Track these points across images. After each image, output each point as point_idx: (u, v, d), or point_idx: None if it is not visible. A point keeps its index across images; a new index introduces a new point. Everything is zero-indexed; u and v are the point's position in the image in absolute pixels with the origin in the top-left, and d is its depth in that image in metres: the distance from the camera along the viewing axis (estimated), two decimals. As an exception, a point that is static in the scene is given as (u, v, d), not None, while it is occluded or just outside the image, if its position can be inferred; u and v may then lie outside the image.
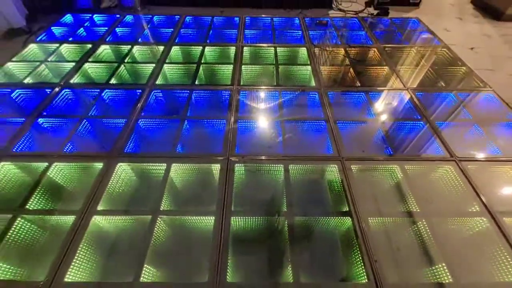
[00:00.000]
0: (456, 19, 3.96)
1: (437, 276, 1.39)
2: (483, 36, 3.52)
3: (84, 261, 1.41)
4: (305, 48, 2.92)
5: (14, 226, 1.47)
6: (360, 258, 1.39)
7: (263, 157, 1.82)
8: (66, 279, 1.28)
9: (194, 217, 1.55)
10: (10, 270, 1.41)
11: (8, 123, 2.06)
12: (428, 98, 2.39)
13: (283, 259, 1.49)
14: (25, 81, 2.40)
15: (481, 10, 4.20)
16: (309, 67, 2.66)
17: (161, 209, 1.55)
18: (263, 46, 2.94)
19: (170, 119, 2.12)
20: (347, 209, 1.58)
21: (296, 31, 3.26)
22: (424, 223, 1.54)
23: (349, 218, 1.54)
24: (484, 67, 2.84)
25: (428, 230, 1.51)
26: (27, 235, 1.53)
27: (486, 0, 4.15)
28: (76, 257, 1.36)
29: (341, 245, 1.56)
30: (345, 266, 1.48)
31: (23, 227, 1.51)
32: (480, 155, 1.89)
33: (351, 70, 2.66)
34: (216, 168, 1.77)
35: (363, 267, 1.36)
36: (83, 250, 1.40)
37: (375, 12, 3.98)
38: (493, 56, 3.09)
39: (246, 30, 3.21)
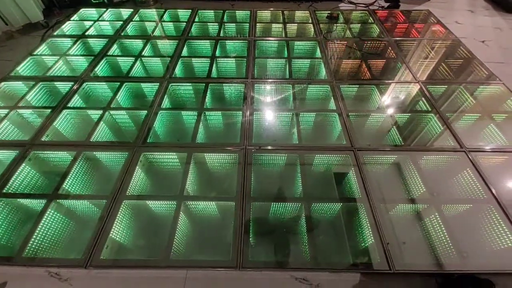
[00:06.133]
0: (467, 12, 3.93)
1: (446, 260, 1.47)
2: (494, 29, 3.51)
3: (117, 240, 1.53)
4: (316, 42, 2.96)
5: (49, 210, 1.59)
6: (373, 240, 1.48)
7: (278, 147, 1.91)
8: (102, 257, 1.40)
9: (215, 202, 1.65)
10: (49, 249, 1.53)
11: (35, 114, 2.17)
12: (438, 90, 2.43)
13: (299, 240, 1.59)
14: (46, 74, 2.49)
15: (493, 2, 4.16)
16: (320, 61, 2.71)
17: (184, 194, 1.66)
18: (275, 40, 2.99)
19: (188, 111, 2.20)
20: (360, 195, 1.66)
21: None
22: (433, 209, 1.62)
23: (362, 204, 1.63)
24: (495, 60, 2.85)
25: (437, 216, 1.59)
26: (62, 217, 1.65)
27: (498, -8, 4.10)
28: (109, 237, 1.47)
29: (355, 229, 1.65)
30: (359, 248, 1.58)
31: (58, 210, 1.63)
32: (489, 146, 1.94)
33: (362, 63, 2.70)
34: (234, 157, 1.86)
35: (376, 248, 1.45)
36: (115, 230, 1.52)
37: (386, 4, 3.97)
38: (504, 48, 3.09)
39: (258, 24, 3.26)
